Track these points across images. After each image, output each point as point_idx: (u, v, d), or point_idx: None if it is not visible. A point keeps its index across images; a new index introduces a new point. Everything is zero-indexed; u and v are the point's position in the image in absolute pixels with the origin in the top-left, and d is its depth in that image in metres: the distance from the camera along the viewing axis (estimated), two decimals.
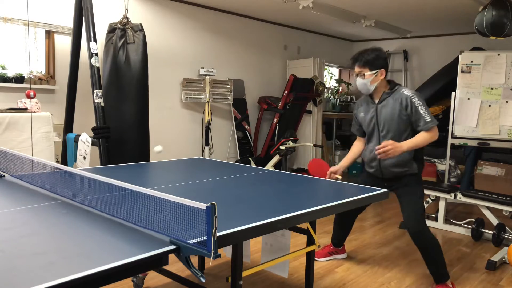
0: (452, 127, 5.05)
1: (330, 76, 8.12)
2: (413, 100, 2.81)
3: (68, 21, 4.31)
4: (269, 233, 2.07)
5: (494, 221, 4.03)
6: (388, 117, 2.87)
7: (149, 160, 4.19)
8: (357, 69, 2.88)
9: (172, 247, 1.37)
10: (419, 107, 2.80)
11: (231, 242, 1.55)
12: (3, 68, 3.99)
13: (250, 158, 5.95)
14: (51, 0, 4.24)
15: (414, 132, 2.88)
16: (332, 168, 3.04)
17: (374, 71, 2.83)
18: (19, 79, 4.03)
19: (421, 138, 2.81)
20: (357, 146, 3.20)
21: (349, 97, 7.91)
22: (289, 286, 3.00)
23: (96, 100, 3.70)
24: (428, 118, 2.80)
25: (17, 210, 1.75)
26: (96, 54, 3.72)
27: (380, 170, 2.98)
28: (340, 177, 3.01)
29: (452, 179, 5.94)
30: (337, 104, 7.80)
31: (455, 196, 4.29)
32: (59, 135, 4.05)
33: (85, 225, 1.57)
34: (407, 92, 2.87)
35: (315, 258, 3.45)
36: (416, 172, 2.94)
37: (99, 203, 1.83)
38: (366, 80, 2.85)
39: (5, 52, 4.06)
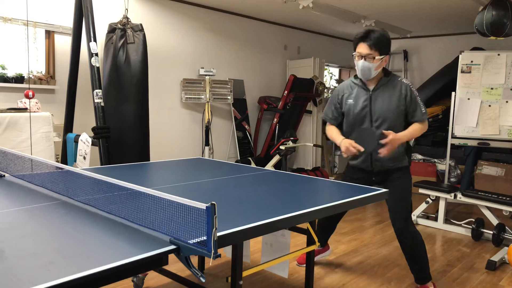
0: (452, 127, 5.05)
1: (330, 76, 8.12)
2: (412, 89, 2.71)
3: (68, 21, 4.31)
4: (269, 233, 2.07)
5: (494, 221, 4.03)
6: (384, 106, 2.68)
7: (149, 160, 4.19)
8: (365, 50, 2.58)
9: (172, 247, 1.37)
10: (417, 98, 2.72)
11: (231, 242, 1.55)
12: (3, 68, 3.99)
13: (250, 158, 5.94)
14: (51, 0, 4.24)
15: (406, 123, 2.75)
16: (353, 143, 2.65)
17: (382, 56, 2.60)
18: (19, 79, 4.03)
19: (416, 129, 2.71)
20: (334, 127, 2.90)
21: None
22: (289, 286, 3.00)
23: (96, 100, 3.70)
24: (423, 110, 2.73)
25: (17, 210, 1.75)
26: (96, 54, 3.72)
27: (371, 163, 2.79)
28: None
29: (452, 179, 5.94)
30: None
31: (455, 196, 4.29)
32: (59, 135, 4.05)
33: (85, 225, 1.57)
34: (405, 80, 2.74)
35: (298, 264, 3.34)
36: (407, 165, 2.85)
37: (99, 203, 1.83)
38: (372, 65, 2.60)
39: (5, 52, 4.06)
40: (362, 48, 2.60)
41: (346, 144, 2.66)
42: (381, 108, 2.69)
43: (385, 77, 2.73)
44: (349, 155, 2.70)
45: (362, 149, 2.61)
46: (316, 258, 3.41)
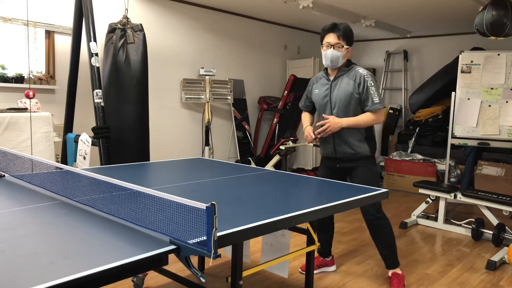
0: (452, 127, 5.05)
1: None
2: (366, 79, 2.81)
3: (68, 21, 4.31)
4: (269, 233, 2.07)
5: (494, 221, 4.03)
6: (341, 94, 2.83)
7: (149, 160, 4.19)
8: (334, 40, 2.78)
9: (172, 247, 1.37)
10: (370, 87, 2.80)
11: (231, 242, 1.55)
12: (3, 68, 3.99)
13: (250, 158, 5.94)
14: (51, 0, 4.25)
15: (363, 112, 2.86)
16: (310, 131, 2.95)
17: (348, 46, 2.82)
18: (19, 79, 4.03)
19: (364, 117, 2.81)
20: (306, 114, 3.16)
21: None
22: (289, 286, 3.00)
23: (96, 100, 3.70)
24: (376, 100, 2.79)
25: (17, 210, 1.75)
26: (96, 54, 3.72)
27: (334, 148, 2.92)
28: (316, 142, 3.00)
29: (452, 179, 5.94)
30: None
31: (455, 196, 4.29)
32: (59, 135, 4.05)
33: (85, 225, 1.57)
34: (361, 70, 2.86)
35: (300, 271, 3.24)
36: (368, 155, 2.90)
37: (99, 203, 1.83)
38: (340, 53, 2.79)
39: (5, 52, 4.06)
40: (331, 38, 2.80)
41: (306, 132, 2.97)
42: (338, 96, 2.86)
43: (344, 67, 2.89)
44: (309, 142, 2.96)
45: (313, 136, 2.89)
46: (320, 270, 3.26)
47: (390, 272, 3.03)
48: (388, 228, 2.96)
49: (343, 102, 2.84)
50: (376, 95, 2.80)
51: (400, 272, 3.03)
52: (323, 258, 3.31)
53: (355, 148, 2.88)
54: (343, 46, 2.78)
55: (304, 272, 3.25)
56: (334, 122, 2.78)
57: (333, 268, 3.33)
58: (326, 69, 2.98)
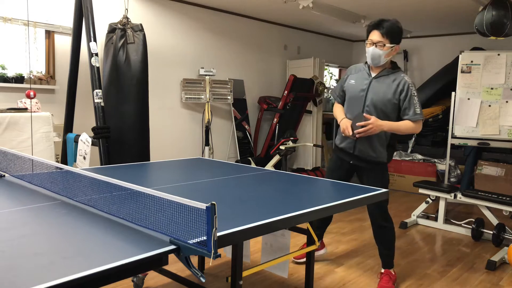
0: (452, 127, 5.05)
1: (330, 76, 8.12)
2: (410, 87, 2.74)
3: (68, 21, 4.31)
4: (269, 233, 2.07)
5: (494, 221, 4.04)
6: (379, 95, 2.76)
7: (149, 160, 4.19)
8: (377, 37, 2.67)
9: (172, 247, 1.37)
10: (414, 97, 2.74)
11: (231, 242, 1.55)
12: (3, 68, 3.99)
13: (250, 158, 5.94)
14: (51, 0, 4.24)
15: (397, 120, 2.81)
16: (348, 124, 2.81)
17: (393, 45, 2.69)
18: (19, 79, 4.03)
19: (405, 125, 2.74)
20: (340, 106, 3.04)
21: None
22: (289, 286, 3.00)
23: (96, 100, 3.70)
24: (418, 110, 2.75)
25: (17, 210, 1.75)
26: (96, 54, 3.72)
27: (355, 144, 2.87)
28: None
29: (452, 179, 5.94)
30: None
31: (455, 196, 4.29)
32: (59, 135, 4.05)
33: (85, 225, 1.57)
34: (407, 78, 2.78)
35: (294, 260, 3.39)
36: (385, 162, 2.89)
37: (99, 203, 1.83)
38: (382, 52, 2.69)
39: (5, 52, 4.06)
40: (375, 35, 2.69)
41: (344, 125, 2.82)
42: (375, 95, 2.77)
43: (389, 69, 2.81)
44: (346, 135, 2.83)
45: (351, 132, 2.76)
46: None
47: (383, 270, 3.08)
48: (392, 232, 3.02)
49: (379, 104, 2.76)
50: (418, 106, 2.74)
51: (393, 273, 3.07)
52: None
53: (376, 152, 2.84)
54: (385, 45, 2.67)
55: (298, 261, 3.34)
56: (376, 124, 2.67)
57: (323, 251, 3.51)
58: (366, 62, 2.89)
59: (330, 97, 7.91)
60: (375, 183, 2.85)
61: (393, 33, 2.67)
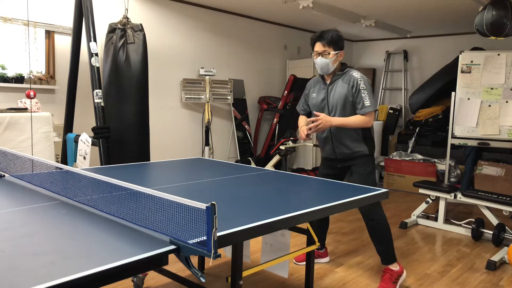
0: (452, 127, 5.05)
1: None
2: (359, 82, 2.87)
3: (68, 21, 4.31)
4: (269, 233, 2.07)
5: (494, 221, 4.04)
6: (337, 98, 2.91)
7: (149, 160, 4.19)
8: (320, 48, 2.86)
9: (172, 247, 1.37)
10: (362, 90, 2.87)
11: (231, 242, 1.55)
12: (3, 68, 3.99)
13: (250, 158, 5.95)
14: (51, 0, 4.25)
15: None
16: (304, 129, 2.97)
17: (337, 51, 2.87)
18: (19, 79, 4.03)
19: (354, 119, 2.88)
20: (303, 117, 3.23)
21: None
22: (289, 286, 3.00)
23: (96, 100, 3.70)
24: (367, 103, 2.86)
25: (17, 210, 1.75)
26: (96, 54, 3.72)
27: (333, 149, 3.02)
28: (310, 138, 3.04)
29: (452, 179, 5.94)
30: None
31: (455, 196, 4.29)
32: (59, 135, 4.05)
33: (85, 225, 1.57)
34: (355, 74, 2.92)
35: (294, 262, 3.39)
36: (367, 154, 2.99)
37: (99, 203, 1.83)
38: (329, 60, 2.86)
39: (5, 52, 4.06)
40: (318, 46, 2.88)
41: (301, 130, 3.01)
42: (334, 99, 2.94)
43: (339, 72, 2.96)
44: (303, 139, 2.99)
45: (305, 132, 2.90)
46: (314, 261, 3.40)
47: (384, 267, 3.07)
48: (381, 224, 2.99)
49: (340, 106, 2.92)
50: (367, 98, 2.86)
51: (394, 268, 3.02)
52: (316, 250, 3.40)
53: (352, 148, 2.97)
54: (329, 53, 2.85)
55: (298, 263, 3.34)
56: (325, 120, 2.83)
57: (326, 259, 3.48)
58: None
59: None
60: (361, 172, 2.96)
61: (335, 41, 2.85)
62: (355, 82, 2.88)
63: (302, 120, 3.21)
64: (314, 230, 3.34)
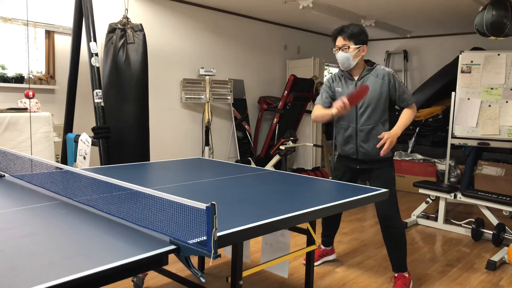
0: (452, 127, 5.05)
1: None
2: (395, 75, 2.85)
3: (68, 21, 4.31)
4: (269, 233, 2.07)
5: (494, 221, 4.03)
6: (372, 94, 2.83)
7: (149, 160, 4.19)
8: (341, 42, 2.81)
9: (172, 247, 1.37)
10: (401, 84, 2.85)
11: (231, 242, 1.55)
12: (3, 68, 3.99)
13: (250, 158, 5.94)
14: (51, 0, 4.24)
15: (389, 110, 2.91)
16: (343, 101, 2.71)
17: (358, 46, 2.80)
18: (19, 79, 4.03)
19: (407, 116, 2.85)
20: (320, 106, 2.99)
21: None
22: (289, 286, 3.00)
23: (96, 100, 3.70)
24: (408, 95, 2.87)
25: (17, 210, 1.75)
26: (96, 54, 3.72)
27: (356, 149, 2.94)
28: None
29: (452, 179, 5.94)
30: None
31: (455, 196, 4.29)
32: (59, 135, 4.05)
33: (85, 225, 1.57)
34: (387, 68, 2.89)
35: (304, 263, 3.40)
36: (390, 156, 2.94)
37: (99, 203, 1.83)
38: (349, 54, 2.80)
39: (5, 52, 4.06)
40: (339, 41, 2.83)
41: (339, 104, 2.65)
42: (368, 94, 2.82)
43: (368, 67, 2.91)
44: (340, 111, 2.68)
45: (347, 102, 2.62)
46: (322, 260, 3.43)
47: (396, 274, 3.02)
48: (401, 233, 2.97)
49: (374, 100, 2.84)
50: (407, 90, 2.87)
51: (407, 275, 3.01)
52: (324, 247, 3.46)
53: (379, 150, 2.84)
54: (349, 47, 2.78)
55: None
56: (391, 135, 2.72)
57: (333, 256, 3.50)
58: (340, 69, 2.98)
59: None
60: (386, 178, 2.90)
61: (356, 35, 2.79)
62: (391, 76, 2.82)
63: (320, 108, 2.96)
64: (325, 228, 3.40)
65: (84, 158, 3.75)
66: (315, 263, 3.39)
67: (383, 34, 7.32)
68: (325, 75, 7.75)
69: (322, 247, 3.46)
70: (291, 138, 5.54)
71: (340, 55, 2.82)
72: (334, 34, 2.86)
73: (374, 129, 2.87)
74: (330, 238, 3.45)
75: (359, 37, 2.80)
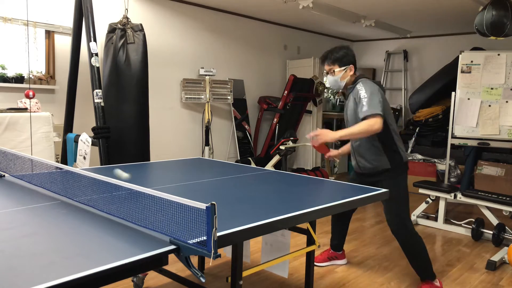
0: (452, 127, 5.05)
1: None
2: (360, 92, 2.75)
3: (68, 21, 4.31)
4: (269, 233, 2.07)
5: (494, 221, 4.04)
6: (348, 111, 2.95)
7: (149, 160, 4.19)
8: (327, 67, 2.94)
9: (172, 247, 1.37)
10: (363, 99, 2.71)
11: (231, 242, 1.55)
12: (3, 68, 3.99)
13: (250, 158, 5.94)
14: (51, 0, 4.24)
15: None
16: (332, 152, 3.13)
17: (343, 67, 2.88)
18: (19, 79, 4.03)
19: (356, 127, 2.68)
20: None
21: None
22: (289, 286, 3.00)
23: (96, 100, 3.70)
24: (365, 108, 2.67)
25: (17, 210, 1.75)
26: (96, 54, 3.72)
27: (357, 164, 3.02)
28: (337, 160, 3.19)
29: (452, 179, 5.94)
30: (337, 104, 7.79)
31: (455, 196, 4.29)
32: (59, 135, 4.05)
33: (85, 225, 1.57)
34: (359, 85, 2.80)
35: (315, 263, 3.37)
36: (389, 168, 2.85)
37: (99, 203, 1.83)
38: (336, 77, 2.90)
39: (5, 52, 4.06)
40: (325, 66, 2.98)
41: (328, 154, 3.17)
42: (346, 113, 3.00)
43: (351, 85, 2.93)
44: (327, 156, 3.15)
45: (337, 160, 3.18)
46: (330, 262, 3.42)
47: (422, 283, 2.98)
48: (411, 240, 2.91)
49: (351, 118, 2.94)
50: (365, 103, 2.69)
51: (437, 284, 2.96)
52: (333, 251, 3.44)
53: (372, 162, 2.90)
54: (334, 71, 2.90)
55: (318, 264, 3.37)
56: (322, 133, 2.79)
57: (343, 261, 3.46)
58: None
59: (330, 97, 7.91)
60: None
61: (339, 59, 2.88)
62: (357, 94, 2.80)
63: None
64: (335, 232, 3.42)
65: (84, 158, 3.75)
66: (322, 264, 3.39)
67: (383, 34, 7.32)
68: (325, 75, 7.76)
69: (331, 250, 3.45)
70: (291, 138, 5.54)
71: (329, 79, 2.97)
72: (321, 61, 3.00)
73: (361, 146, 2.92)
74: (339, 243, 3.42)
75: (343, 59, 2.88)
